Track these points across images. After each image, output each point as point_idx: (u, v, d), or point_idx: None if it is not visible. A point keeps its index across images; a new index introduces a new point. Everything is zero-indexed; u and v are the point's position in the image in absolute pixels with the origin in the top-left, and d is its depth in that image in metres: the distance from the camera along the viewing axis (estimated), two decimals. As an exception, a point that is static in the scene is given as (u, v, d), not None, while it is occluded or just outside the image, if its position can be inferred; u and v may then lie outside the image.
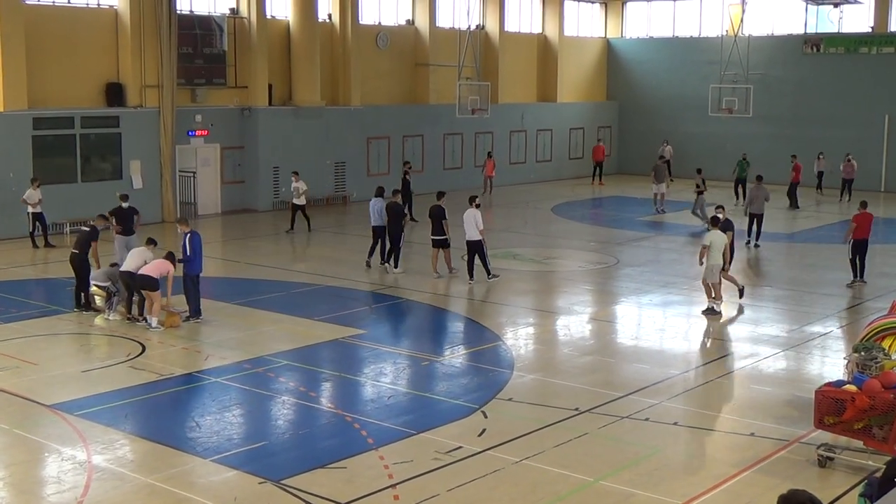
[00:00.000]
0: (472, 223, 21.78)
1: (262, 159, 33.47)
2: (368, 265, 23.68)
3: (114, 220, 21.68)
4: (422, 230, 26.39)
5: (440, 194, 23.49)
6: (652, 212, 33.61)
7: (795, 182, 35.23)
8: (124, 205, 22.24)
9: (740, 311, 19.80)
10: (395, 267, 23.16)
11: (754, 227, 27.26)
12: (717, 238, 19.33)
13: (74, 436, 12.60)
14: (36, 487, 11.31)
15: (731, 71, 41.70)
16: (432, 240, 22.72)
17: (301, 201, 28.77)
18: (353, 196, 35.89)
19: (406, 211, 26.61)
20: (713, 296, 19.33)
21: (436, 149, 39.46)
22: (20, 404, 13.82)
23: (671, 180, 37.64)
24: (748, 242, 27.19)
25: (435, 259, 22.79)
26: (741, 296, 20.27)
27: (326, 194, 35.38)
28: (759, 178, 28.42)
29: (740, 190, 35.80)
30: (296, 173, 29.56)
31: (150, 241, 18.90)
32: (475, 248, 21.92)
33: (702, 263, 19.49)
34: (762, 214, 27.21)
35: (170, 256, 18.30)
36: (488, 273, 22.01)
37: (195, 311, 18.43)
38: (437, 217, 22.54)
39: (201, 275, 18.71)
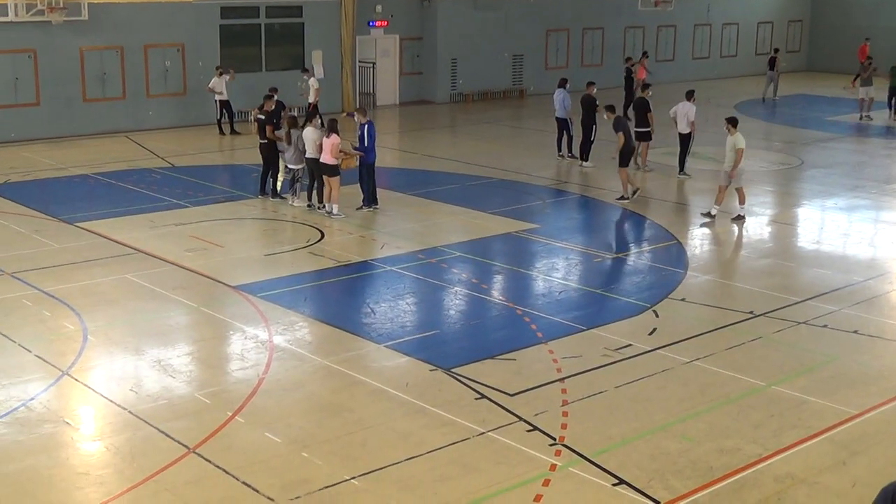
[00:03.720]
0: (684, 117, 21.75)
1: (441, 51, 33.47)
2: (562, 156, 23.99)
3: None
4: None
5: (645, 86, 23.50)
6: (856, 114, 31.30)
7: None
8: (275, 97, 22.09)
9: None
10: (586, 160, 23.06)
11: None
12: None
13: (257, 316, 13.18)
14: (222, 363, 11.95)
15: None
16: (635, 132, 22.23)
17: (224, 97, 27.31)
18: (530, 89, 35.59)
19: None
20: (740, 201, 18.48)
21: (616, 42, 38.47)
22: (207, 284, 14.53)
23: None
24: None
25: (634, 151, 22.59)
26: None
27: (503, 87, 35.19)
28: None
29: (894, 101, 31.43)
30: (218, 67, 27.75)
31: (313, 115, 18.88)
32: (686, 141, 21.97)
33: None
34: None
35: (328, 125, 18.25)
36: (681, 168, 22.11)
37: (371, 200, 18.80)
38: (642, 109, 22.39)
39: (376, 164, 19.01)
